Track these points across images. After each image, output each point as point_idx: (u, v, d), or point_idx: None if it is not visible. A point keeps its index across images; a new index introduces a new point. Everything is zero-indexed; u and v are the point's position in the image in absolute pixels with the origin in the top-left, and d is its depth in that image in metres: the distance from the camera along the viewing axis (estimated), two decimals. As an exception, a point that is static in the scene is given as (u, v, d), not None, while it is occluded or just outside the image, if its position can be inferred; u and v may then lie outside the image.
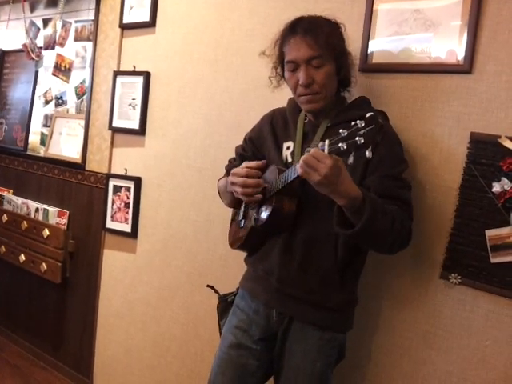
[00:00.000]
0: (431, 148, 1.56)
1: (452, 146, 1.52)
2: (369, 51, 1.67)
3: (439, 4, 1.54)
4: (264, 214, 1.45)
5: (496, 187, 1.42)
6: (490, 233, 1.44)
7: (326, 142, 1.17)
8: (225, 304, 1.70)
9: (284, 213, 1.42)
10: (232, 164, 1.75)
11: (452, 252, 1.51)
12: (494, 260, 1.44)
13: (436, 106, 1.56)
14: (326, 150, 1.16)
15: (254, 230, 1.52)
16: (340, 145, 1.12)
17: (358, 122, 1.10)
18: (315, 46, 1.37)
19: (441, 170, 1.54)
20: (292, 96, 1.58)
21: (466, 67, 1.49)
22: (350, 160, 1.14)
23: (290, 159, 1.51)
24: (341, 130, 1.13)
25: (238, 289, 1.68)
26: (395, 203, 1.35)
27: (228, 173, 1.73)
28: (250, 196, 1.47)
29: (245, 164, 1.52)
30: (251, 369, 1.53)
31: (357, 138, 1.09)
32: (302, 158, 1.21)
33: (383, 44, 1.65)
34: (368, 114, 1.11)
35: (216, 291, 1.77)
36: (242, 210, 1.63)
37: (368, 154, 1.11)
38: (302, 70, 1.40)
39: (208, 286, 1.81)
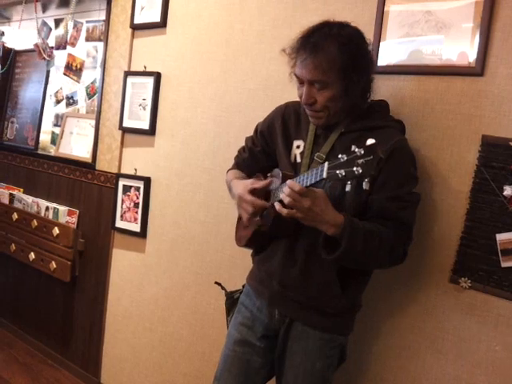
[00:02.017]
0: (442, 150, 1.55)
1: (463, 148, 1.51)
2: (379, 52, 1.66)
3: (451, 6, 1.53)
4: (268, 219, 1.46)
5: (507, 191, 1.41)
6: (501, 237, 1.43)
7: (326, 164, 1.16)
8: (231, 301, 1.73)
9: (286, 220, 1.40)
10: (241, 156, 1.75)
11: (462, 256, 1.50)
12: (504, 264, 1.42)
13: (447, 109, 1.55)
14: (324, 174, 1.16)
15: (258, 233, 1.53)
16: (338, 172, 1.12)
17: (357, 149, 1.09)
18: (316, 70, 1.33)
19: (451, 173, 1.53)
20: None
21: (478, 69, 1.48)
22: (347, 188, 1.13)
23: (298, 159, 1.51)
24: (340, 155, 1.12)
25: (243, 286, 1.69)
26: (393, 224, 1.35)
27: (237, 165, 1.75)
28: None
29: (251, 185, 1.48)
30: (255, 366, 1.54)
31: (354, 168, 1.09)
32: (285, 193, 1.25)
33: (394, 45, 1.65)
34: (368, 142, 1.10)
35: (223, 288, 1.79)
36: None
37: (365, 185, 1.11)
38: (304, 89, 1.38)
39: (216, 282, 1.84)
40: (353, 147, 1.10)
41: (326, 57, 1.32)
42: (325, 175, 1.16)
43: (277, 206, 1.31)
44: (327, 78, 1.33)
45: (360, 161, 1.08)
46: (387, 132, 1.38)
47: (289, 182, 1.26)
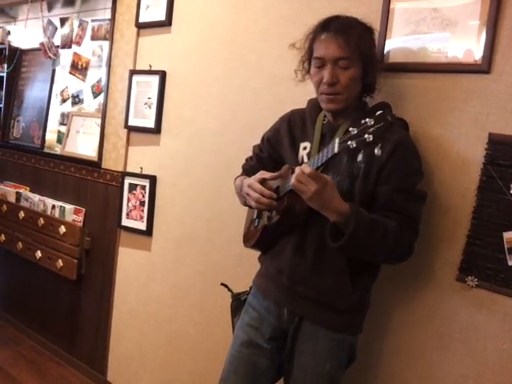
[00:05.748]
0: (448, 149, 1.54)
1: (469, 146, 1.51)
2: (385, 50, 1.66)
3: (457, 3, 1.52)
4: (277, 213, 1.46)
5: (514, 189, 1.41)
6: (508, 235, 1.42)
7: (336, 140, 1.20)
8: (238, 303, 1.71)
9: (296, 211, 1.43)
10: (248, 163, 1.76)
11: (469, 254, 1.49)
12: (511, 262, 1.41)
13: (453, 107, 1.54)
14: (336, 149, 1.20)
15: (268, 229, 1.53)
16: (349, 143, 1.15)
17: (367, 120, 1.13)
18: (345, 46, 1.37)
19: (458, 171, 1.52)
20: (311, 98, 1.59)
21: (484, 67, 1.47)
22: (359, 158, 1.18)
23: (306, 160, 1.51)
24: (350, 129, 1.16)
25: (251, 287, 1.68)
26: (398, 217, 1.35)
27: (245, 172, 1.74)
28: (264, 209, 1.52)
29: (260, 175, 1.51)
30: (262, 367, 1.53)
31: (366, 136, 1.12)
32: (294, 175, 1.27)
33: (400, 43, 1.64)
34: (378, 113, 1.14)
35: (230, 289, 1.78)
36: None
37: (377, 151, 1.13)
38: (327, 69, 1.40)
39: (222, 284, 1.83)
40: (363, 121, 1.14)
41: (352, 36, 1.38)
42: (336, 149, 1.19)
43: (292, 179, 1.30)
44: (354, 55, 1.38)
45: (371, 129, 1.12)
46: (391, 128, 1.38)
47: (303, 165, 1.28)
